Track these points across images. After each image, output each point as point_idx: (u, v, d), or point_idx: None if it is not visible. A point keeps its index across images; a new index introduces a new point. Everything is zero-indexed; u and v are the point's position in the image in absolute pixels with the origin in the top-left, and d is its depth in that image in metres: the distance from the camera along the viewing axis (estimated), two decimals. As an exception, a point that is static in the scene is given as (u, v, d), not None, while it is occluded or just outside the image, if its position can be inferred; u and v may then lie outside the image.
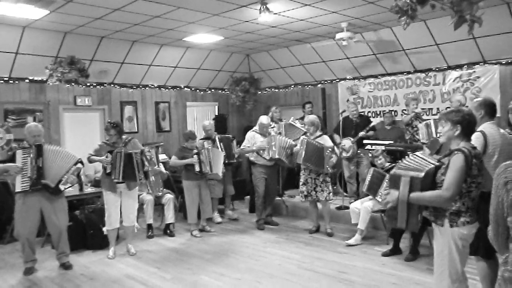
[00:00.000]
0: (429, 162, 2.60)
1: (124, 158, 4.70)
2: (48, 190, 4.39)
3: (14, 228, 4.53)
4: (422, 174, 2.51)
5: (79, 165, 4.54)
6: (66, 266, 4.60)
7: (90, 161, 4.80)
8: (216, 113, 9.52)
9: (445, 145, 4.65)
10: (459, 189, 2.43)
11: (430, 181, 2.53)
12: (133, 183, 4.91)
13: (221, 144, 6.28)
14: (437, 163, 2.58)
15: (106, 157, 4.69)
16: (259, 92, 9.60)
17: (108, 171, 4.72)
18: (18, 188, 4.29)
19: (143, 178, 4.86)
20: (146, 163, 4.84)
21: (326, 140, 5.54)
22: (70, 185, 4.53)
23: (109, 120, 5.09)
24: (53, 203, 4.48)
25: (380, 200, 4.86)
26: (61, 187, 4.42)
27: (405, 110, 7.43)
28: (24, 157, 4.31)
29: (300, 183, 5.59)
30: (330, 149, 5.37)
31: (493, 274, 3.17)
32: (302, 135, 5.90)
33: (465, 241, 2.52)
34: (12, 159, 4.31)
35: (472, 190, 2.49)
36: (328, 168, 5.38)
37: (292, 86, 9.31)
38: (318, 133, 5.60)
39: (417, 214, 2.58)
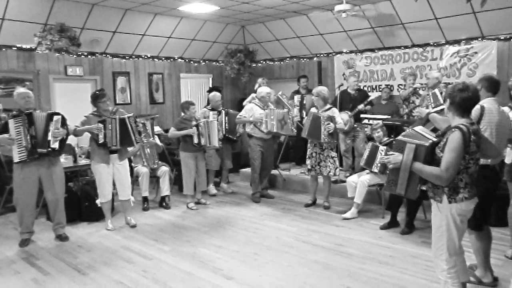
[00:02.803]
0: (427, 137, 2.62)
1: (119, 123, 4.63)
2: (50, 155, 4.32)
3: (8, 199, 4.44)
4: (427, 144, 2.54)
5: (55, 117, 4.32)
6: (62, 238, 4.57)
7: (77, 133, 4.61)
8: (210, 85, 9.36)
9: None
10: (457, 168, 2.47)
11: (429, 155, 2.56)
12: (124, 154, 4.90)
13: (227, 117, 6.24)
14: (436, 139, 2.60)
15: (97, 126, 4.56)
16: (254, 65, 9.45)
17: (101, 141, 4.60)
18: (16, 159, 4.21)
19: (140, 140, 4.87)
20: (139, 124, 4.86)
21: (334, 113, 5.46)
22: (61, 137, 4.36)
23: (97, 89, 5.02)
24: (51, 172, 4.41)
25: (376, 170, 4.87)
26: (54, 146, 4.29)
27: (401, 85, 7.41)
28: (17, 126, 4.18)
29: (307, 156, 5.58)
30: (326, 117, 5.24)
31: (484, 245, 3.25)
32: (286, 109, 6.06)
33: (463, 217, 2.57)
34: (4, 129, 4.19)
35: (470, 166, 2.52)
36: (324, 138, 5.23)
37: (288, 59, 9.16)
38: (327, 106, 5.52)
39: (417, 182, 2.61)
